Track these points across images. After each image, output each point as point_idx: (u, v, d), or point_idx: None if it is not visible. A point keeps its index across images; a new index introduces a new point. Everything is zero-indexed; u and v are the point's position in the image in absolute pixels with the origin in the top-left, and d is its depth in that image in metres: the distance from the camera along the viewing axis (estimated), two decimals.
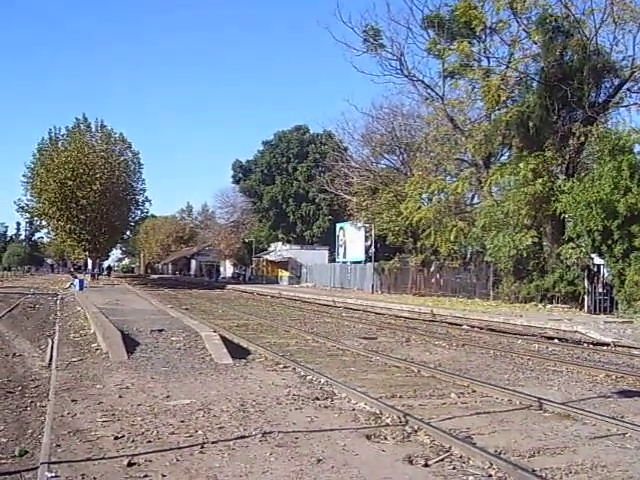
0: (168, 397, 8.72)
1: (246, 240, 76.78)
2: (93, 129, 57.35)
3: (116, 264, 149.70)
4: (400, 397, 9.28)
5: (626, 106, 30.12)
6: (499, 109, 30.90)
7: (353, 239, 51.93)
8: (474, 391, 9.79)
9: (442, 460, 6.19)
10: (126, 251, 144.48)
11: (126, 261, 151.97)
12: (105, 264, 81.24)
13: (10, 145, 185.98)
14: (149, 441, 6.63)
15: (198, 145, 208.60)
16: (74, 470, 5.62)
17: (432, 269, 39.72)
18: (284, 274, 65.12)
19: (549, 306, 26.76)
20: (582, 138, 28.20)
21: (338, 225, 56.08)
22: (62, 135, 56.57)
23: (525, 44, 30.04)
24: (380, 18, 35.46)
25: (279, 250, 67.35)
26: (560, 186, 26.83)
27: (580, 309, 25.28)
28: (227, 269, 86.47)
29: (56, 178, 51.56)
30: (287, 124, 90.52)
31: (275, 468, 5.82)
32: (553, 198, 27.16)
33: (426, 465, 6.04)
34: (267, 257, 69.35)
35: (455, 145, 34.72)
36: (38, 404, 8.37)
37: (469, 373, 11.59)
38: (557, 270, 27.41)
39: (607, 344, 16.41)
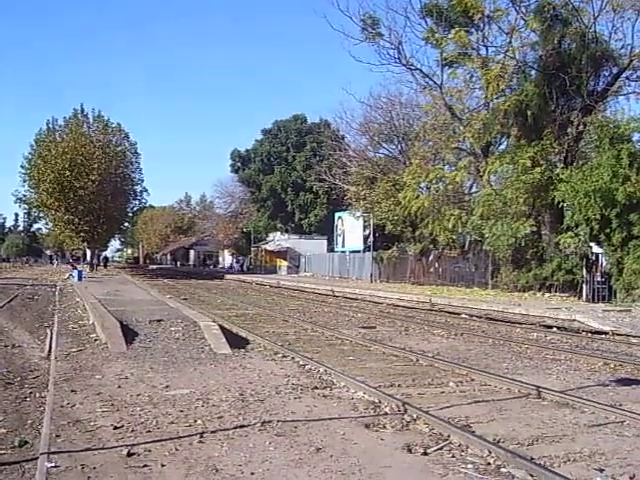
0: (167, 387, 8.73)
1: (245, 230, 76.73)
2: (90, 120, 57.10)
3: (116, 254, 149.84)
4: (399, 386, 9.29)
5: (625, 94, 30.13)
6: (497, 98, 30.82)
7: (351, 228, 51.92)
8: (473, 380, 9.81)
9: (441, 448, 6.21)
10: (125, 242, 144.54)
11: (128, 252, 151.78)
12: (102, 255, 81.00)
13: (8, 136, 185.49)
14: (148, 431, 6.64)
15: (196, 135, 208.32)
16: (74, 460, 5.63)
17: (431, 258, 39.78)
18: (283, 264, 65.20)
19: (547, 295, 26.81)
20: (581, 127, 28.21)
21: (336, 214, 56.08)
22: (59, 126, 56.42)
23: (523, 32, 29.91)
24: (378, 7, 35.60)
25: (278, 240, 67.35)
26: (559, 175, 26.80)
27: (578, 298, 25.33)
28: (226, 259, 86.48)
29: (54, 169, 51.42)
30: (285, 113, 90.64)
31: (274, 457, 5.83)
32: (552, 187, 27.15)
33: (425, 453, 6.06)
34: (266, 247, 69.37)
35: (453, 134, 34.65)
36: (37, 395, 8.37)
37: (468, 362, 11.60)
38: (555, 259, 27.43)
39: (605, 333, 16.45)
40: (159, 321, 14.98)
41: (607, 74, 29.07)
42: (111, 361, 10.73)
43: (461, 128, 33.08)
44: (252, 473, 5.40)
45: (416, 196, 34.98)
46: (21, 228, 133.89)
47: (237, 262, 73.92)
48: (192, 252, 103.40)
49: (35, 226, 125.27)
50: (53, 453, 5.77)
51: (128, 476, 5.31)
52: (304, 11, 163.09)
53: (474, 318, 20.61)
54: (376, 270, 44.09)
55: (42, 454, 5.72)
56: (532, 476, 5.40)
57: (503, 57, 30.18)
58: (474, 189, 39.22)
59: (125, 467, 5.52)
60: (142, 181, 61.15)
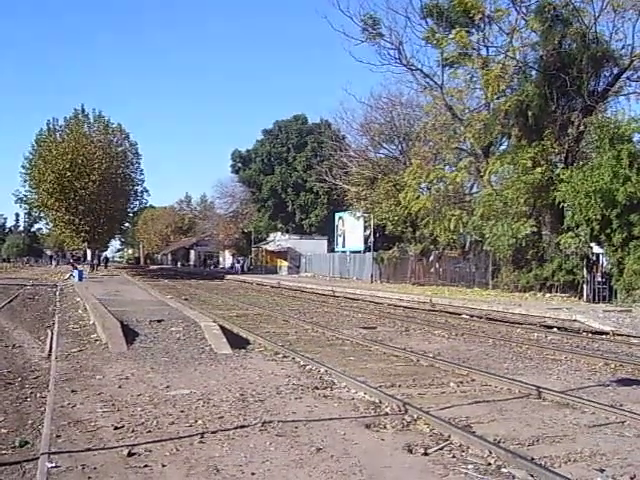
0: (168, 387, 8.73)
1: (245, 230, 76.70)
2: (91, 120, 57.18)
3: (117, 254, 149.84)
4: (399, 386, 9.30)
5: (625, 95, 30.12)
6: (498, 98, 30.81)
7: (352, 229, 51.90)
8: (473, 380, 9.81)
9: (441, 449, 6.21)
10: (125, 242, 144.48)
11: (129, 252, 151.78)
12: (103, 255, 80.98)
13: (9, 136, 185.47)
14: (149, 431, 6.64)
15: (197, 135, 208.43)
16: (74, 460, 5.62)
17: (431, 258, 39.76)
18: (283, 264, 65.17)
19: (548, 295, 26.79)
20: (581, 127, 28.19)
21: (337, 215, 56.06)
22: (60, 126, 56.49)
23: (524, 33, 29.92)
24: (379, 7, 35.63)
25: (278, 240, 67.34)
26: (559, 175, 26.78)
27: (579, 298, 25.31)
28: (226, 259, 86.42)
29: (54, 169, 51.47)
30: (286, 114, 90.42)
31: (275, 457, 5.83)
32: (552, 187, 27.15)
33: (425, 454, 6.06)
34: (266, 247, 69.35)
35: (454, 134, 34.62)
36: (38, 395, 8.38)
37: (468, 362, 11.61)
38: (556, 259, 27.43)
39: (606, 333, 16.45)
40: (160, 321, 15.01)
41: (608, 74, 29.07)
42: (112, 361, 10.73)
43: (462, 128, 33.08)
44: (253, 473, 5.40)
45: (417, 196, 34.99)
46: (22, 228, 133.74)
47: (238, 262, 73.81)
48: (193, 252, 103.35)
49: (36, 226, 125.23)
50: (54, 453, 5.77)
51: (129, 476, 5.31)
52: (305, 11, 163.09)
53: (475, 318, 20.62)
54: (376, 270, 44.05)
55: (43, 454, 5.72)
56: (533, 476, 5.40)
57: (504, 57, 30.17)
58: (475, 189, 39.19)
59: (126, 467, 5.52)
60: (143, 181, 61.33)
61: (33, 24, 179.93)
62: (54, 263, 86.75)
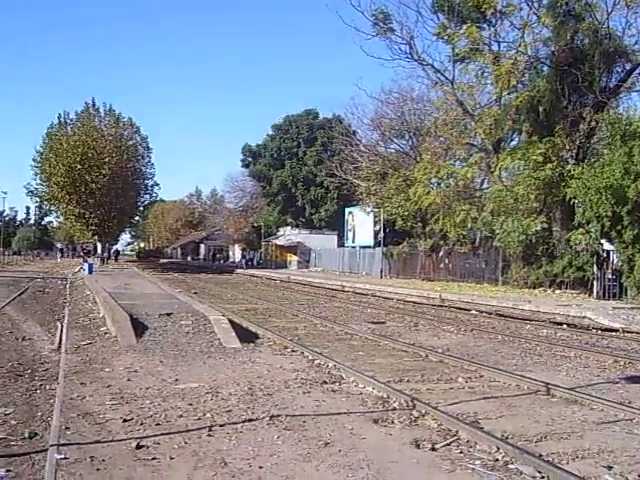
0: (177, 380, 8.76)
1: (255, 224, 76.81)
2: (102, 113, 57.40)
3: (127, 248, 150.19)
4: (408, 381, 9.29)
5: (638, 91, 30.09)
6: (509, 94, 30.72)
7: (362, 224, 51.90)
8: (482, 376, 9.79)
9: (449, 444, 6.20)
10: (136, 235, 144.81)
11: (141, 245, 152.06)
12: (114, 248, 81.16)
13: (20, 130, 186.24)
14: (157, 424, 6.66)
15: (208, 129, 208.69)
16: (83, 452, 5.65)
17: (441, 254, 39.66)
18: (293, 259, 65.18)
19: (558, 291, 26.72)
20: (592, 123, 28.00)
21: (347, 210, 56.05)
22: (71, 119, 56.75)
23: (536, 28, 29.78)
24: (390, 1, 35.53)
25: (288, 234, 67.35)
26: (570, 171, 26.66)
27: (589, 295, 25.24)
28: (236, 253, 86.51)
29: (65, 162, 51.65)
30: (297, 108, 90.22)
31: (282, 451, 5.84)
32: (563, 183, 27.04)
33: (433, 449, 6.05)
34: (276, 241, 69.37)
35: (465, 130, 34.53)
36: (47, 387, 8.41)
37: (477, 358, 11.58)
38: (566, 256, 27.33)
39: (616, 330, 16.38)
40: (169, 315, 15.03)
41: (620, 70, 28.85)
42: (121, 354, 10.77)
43: (472, 124, 32.98)
44: (260, 467, 5.42)
45: (427, 192, 34.95)
46: (32, 221, 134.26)
47: (243, 257, 73.14)
48: (202, 246, 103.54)
49: (46, 219, 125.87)
50: (63, 445, 5.80)
51: (137, 468, 5.33)
52: (316, 6, 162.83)
53: (484, 314, 20.58)
54: (386, 266, 44.03)
55: (52, 446, 5.75)
56: (540, 473, 5.39)
57: (515, 53, 30.04)
58: (485, 185, 39.07)
59: (134, 459, 5.54)
60: (153, 175, 61.54)
61: (34, 15, 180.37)
62: (59, 256, 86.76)
